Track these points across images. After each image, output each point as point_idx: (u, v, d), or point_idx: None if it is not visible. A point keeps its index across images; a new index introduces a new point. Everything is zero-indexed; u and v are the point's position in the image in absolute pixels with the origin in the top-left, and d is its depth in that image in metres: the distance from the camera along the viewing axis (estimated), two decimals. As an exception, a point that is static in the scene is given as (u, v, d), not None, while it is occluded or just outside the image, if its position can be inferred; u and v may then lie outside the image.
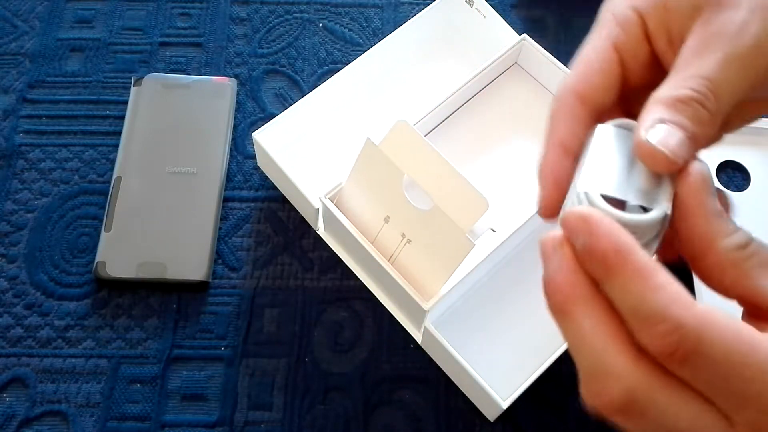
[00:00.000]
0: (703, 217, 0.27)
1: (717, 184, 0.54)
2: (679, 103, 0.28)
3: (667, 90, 0.29)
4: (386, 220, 0.45)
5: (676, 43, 0.31)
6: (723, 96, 0.29)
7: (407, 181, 0.44)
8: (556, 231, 0.28)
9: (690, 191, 0.28)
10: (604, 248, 0.26)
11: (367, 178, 0.46)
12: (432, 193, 0.43)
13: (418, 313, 0.45)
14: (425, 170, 0.44)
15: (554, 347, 0.45)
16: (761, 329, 0.26)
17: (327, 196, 0.47)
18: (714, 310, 0.25)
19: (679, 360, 0.25)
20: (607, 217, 0.26)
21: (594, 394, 0.26)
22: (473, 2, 0.56)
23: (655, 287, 0.25)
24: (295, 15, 0.61)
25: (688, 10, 0.30)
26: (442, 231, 0.43)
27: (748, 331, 0.25)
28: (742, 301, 0.28)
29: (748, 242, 0.27)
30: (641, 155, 0.28)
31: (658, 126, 0.28)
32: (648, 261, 0.26)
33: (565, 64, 0.53)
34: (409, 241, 0.45)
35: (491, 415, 0.46)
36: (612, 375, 0.25)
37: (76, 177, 0.53)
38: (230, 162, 0.54)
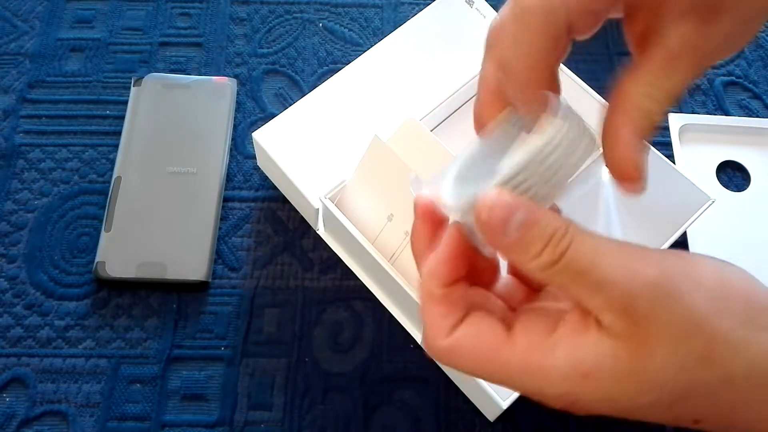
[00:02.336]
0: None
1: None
2: (649, 129, 0.31)
3: (639, 115, 0.31)
4: (389, 218, 0.45)
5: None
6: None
7: (412, 178, 0.44)
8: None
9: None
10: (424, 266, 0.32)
11: (372, 175, 0.46)
12: None
13: (418, 313, 0.45)
14: (432, 167, 0.44)
15: (554, 347, 0.45)
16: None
17: (327, 196, 0.47)
18: (463, 337, 0.30)
19: (445, 364, 0.34)
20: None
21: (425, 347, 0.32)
22: (473, 2, 0.56)
23: (426, 315, 0.31)
24: (295, 15, 0.61)
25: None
26: None
27: (492, 348, 0.30)
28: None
29: (561, 255, 0.29)
30: (618, 177, 0.32)
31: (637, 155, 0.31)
32: (432, 300, 0.31)
33: (565, 64, 0.53)
34: (411, 239, 0.45)
35: (491, 415, 0.46)
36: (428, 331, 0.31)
37: (76, 177, 0.53)
38: (230, 162, 0.54)
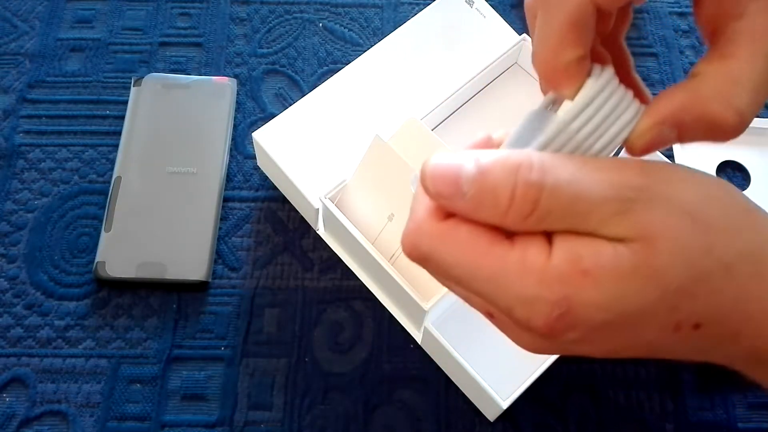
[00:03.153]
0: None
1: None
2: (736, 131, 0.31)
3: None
4: (390, 218, 0.45)
5: None
6: None
7: (414, 177, 0.44)
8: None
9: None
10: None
11: (373, 174, 0.46)
12: None
13: (418, 313, 0.45)
14: None
15: (554, 347, 0.45)
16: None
17: (327, 196, 0.47)
18: (458, 223, 0.28)
19: (420, 259, 0.30)
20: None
21: (404, 234, 0.29)
22: (473, 2, 0.56)
23: (421, 195, 0.29)
24: (295, 15, 0.61)
25: None
26: None
27: (486, 242, 0.27)
28: None
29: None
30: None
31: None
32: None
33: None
34: (412, 239, 0.45)
35: (491, 415, 0.46)
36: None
37: (76, 177, 0.53)
38: (230, 162, 0.54)
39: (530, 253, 0.27)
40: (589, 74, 0.29)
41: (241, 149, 0.55)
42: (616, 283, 0.26)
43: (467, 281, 0.28)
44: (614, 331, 0.27)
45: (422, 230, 0.28)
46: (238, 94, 0.57)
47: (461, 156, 0.27)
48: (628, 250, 0.26)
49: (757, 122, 0.57)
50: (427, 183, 0.28)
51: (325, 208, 0.47)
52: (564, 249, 0.26)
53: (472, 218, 0.27)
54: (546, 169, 0.26)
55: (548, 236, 0.27)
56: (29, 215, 0.52)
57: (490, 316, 0.30)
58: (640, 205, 0.26)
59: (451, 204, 0.27)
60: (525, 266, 0.26)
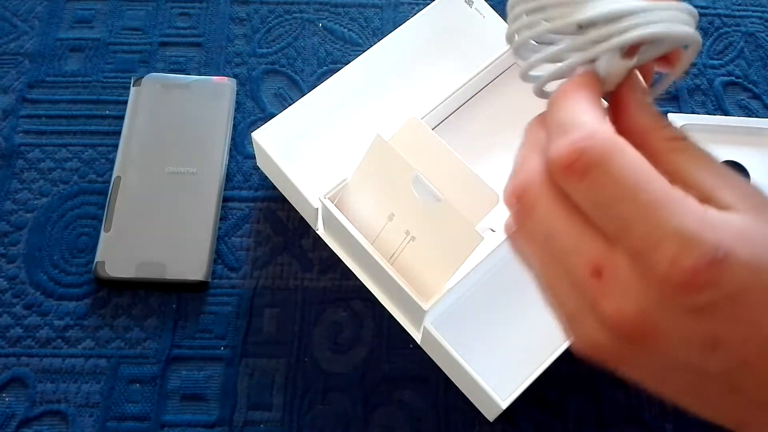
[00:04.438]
0: (638, 108, 0.28)
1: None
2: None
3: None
4: (390, 218, 0.45)
5: None
6: None
7: (414, 177, 0.44)
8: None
9: (626, 86, 0.29)
10: (574, 80, 0.29)
11: (374, 174, 0.46)
12: (441, 189, 0.44)
13: (417, 313, 0.45)
14: (435, 166, 0.45)
15: (554, 347, 0.45)
16: None
17: (326, 196, 0.47)
18: (628, 144, 0.26)
19: (580, 171, 0.26)
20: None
21: (560, 144, 0.27)
22: (473, 2, 0.56)
23: (578, 106, 0.27)
24: (294, 15, 0.61)
25: None
26: (449, 225, 0.43)
27: (653, 171, 0.25)
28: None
29: (683, 137, 0.28)
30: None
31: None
32: (592, 93, 0.28)
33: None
34: (413, 238, 0.45)
35: (490, 415, 0.46)
36: (518, 173, 0.28)
37: (75, 177, 0.53)
38: (230, 162, 0.54)
39: (691, 198, 0.25)
40: None
41: (240, 149, 0.55)
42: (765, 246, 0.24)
43: (625, 202, 0.25)
44: (749, 308, 0.24)
45: (597, 137, 0.26)
46: (237, 94, 0.57)
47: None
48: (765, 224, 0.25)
49: (757, 122, 0.57)
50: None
51: (325, 208, 0.47)
52: (722, 211, 0.25)
53: (634, 113, 0.28)
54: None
55: None
56: (29, 215, 0.52)
57: (597, 274, 0.26)
58: (761, 198, 0.26)
59: (629, 94, 0.29)
60: (688, 203, 0.25)
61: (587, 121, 0.26)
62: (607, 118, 0.28)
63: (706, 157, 0.27)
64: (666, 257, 0.24)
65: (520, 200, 0.28)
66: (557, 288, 0.27)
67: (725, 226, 0.24)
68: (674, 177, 0.26)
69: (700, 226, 0.24)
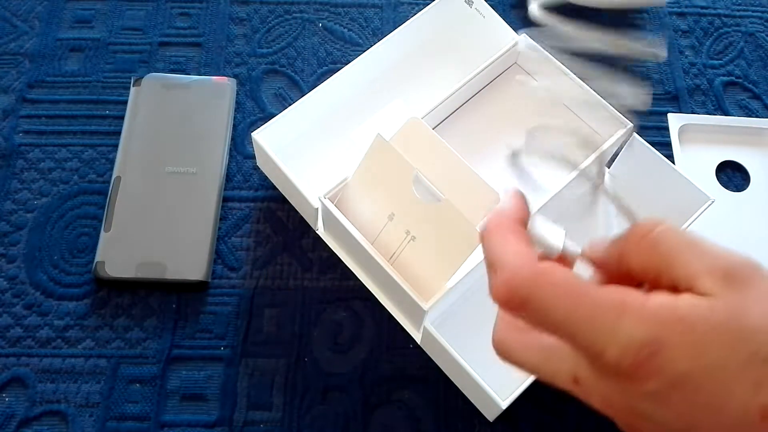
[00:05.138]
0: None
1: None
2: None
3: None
4: (390, 218, 0.45)
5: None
6: None
7: (414, 177, 0.44)
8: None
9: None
10: (500, 213, 0.32)
11: (374, 174, 0.46)
12: (442, 188, 0.44)
13: (417, 313, 0.45)
14: (435, 166, 0.45)
15: (554, 347, 0.45)
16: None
17: (326, 196, 0.47)
18: (553, 267, 0.29)
19: (517, 307, 0.29)
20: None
21: (493, 286, 0.30)
22: (473, 2, 0.56)
23: (502, 243, 0.30)
24: (294, 15, 0.61)
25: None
26: (450, 225, 0.43)
27: (582, 286, 0.28)
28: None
29: (651, 229, 0.29)
30: None
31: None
32: (515, 228, 0.31)
33: (564, 65, 0.53)
34: (413, 238, 0.45)
35: (490, 415, 0.46)
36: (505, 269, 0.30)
37: (75, 177, 0.53)
38: (230, 162, 0.54)
39: (629, 295, 0.28)
40: None
41: (240, 149, 0.55)
42: (709, 331, 0.26)
43: (565, 323, 0.28)
44: (694, 392, 0.27)
45: (520, 275, 0.29)
46: (237, 94, 0.57)
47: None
48: (724, 307, 0.27)
49: (756, 122, 0.57)
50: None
51: (325, 208, 0.47)
52: (662, 296, 0.27)
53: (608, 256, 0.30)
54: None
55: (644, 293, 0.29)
56: (29, 215, 0.52)
57: (575, 383, 0.30)
58: (747, 272, 0.28)
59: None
60: (624, 304, 0.27)
61: (510, 260, 0.30)
62: (527, 247, 0.31)
63: (681, 242, 0.29)
64: (612, 358, 0.27)
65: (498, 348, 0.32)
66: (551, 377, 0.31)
67: (665, 315, 0.27)
68: (659, 273, 0.29)
69: (637, 324, 0.27)
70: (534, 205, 0.47)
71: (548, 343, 0.30)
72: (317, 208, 0.49)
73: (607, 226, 0.52)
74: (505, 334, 0.32)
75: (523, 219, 0.32)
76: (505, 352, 0.32)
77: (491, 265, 0.30)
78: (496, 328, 0.32)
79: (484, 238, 0.31)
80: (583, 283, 0.28)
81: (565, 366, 0.30)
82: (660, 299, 0.27)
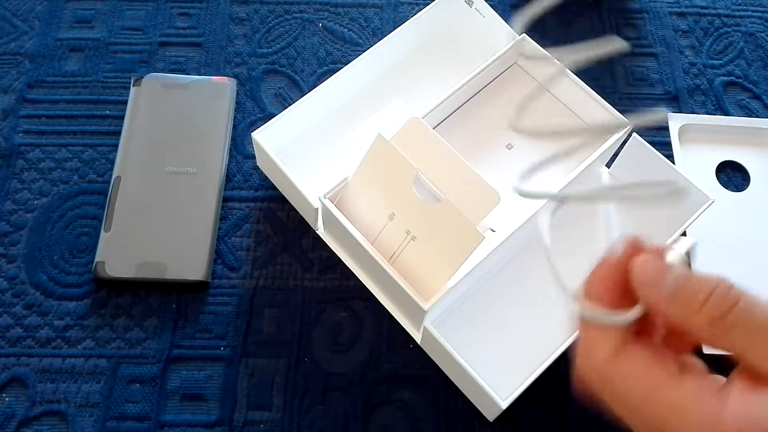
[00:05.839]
0: (668, 304, 0.30)
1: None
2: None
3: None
4: (390, 217, 0.45)
5: None
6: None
7: (414, 177, 0.44)
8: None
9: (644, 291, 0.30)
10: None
11: (374, 174, 0.46)
12: (442, 188, 0.44)
13: (417, 313, 0.45)
14: (436, 165, 0.45)
15: (554, 348, 0.45)
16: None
17: (326, 196, 0.47)
18: (638, 351, 0.29)
19: (597, 385, 0.31)
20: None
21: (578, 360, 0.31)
22: (473, 2, 0.56)
23: (586, 329, 0.31)
24: (294, 15, 0.61)
25: None
26: (450, 225, 0.43)
27: (659, 373, 0.29)
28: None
29: (725, 311, 0.28)
30: None
31: None
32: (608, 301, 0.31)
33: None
34: (413, 238, 0.45)
35: (490, 416, 0.46)
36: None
37: (75, 177, 0.53)
38: (230, 162, 0.54)
39: (704, 398, 0.27)
40: None
41: (240, 149, 0.55)
42: None
43: (641, 412, 0.28)
44: None
45: (598, 362, 0.29)
46: (237, 94, 0.57)
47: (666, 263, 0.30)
48: None
49: (756, 122, 0.57)
50: (635, 270, 0.30)
51: (325, 208, 0.47)
52: (740, 402, 0.27)
53: (664, 310, 0.29)
54: (744, 291, 0.28)
55: (720, 382, 0.28)
56: (29, 215, 0.52)
57: None
58: None
59: (648, 292, 0.29)
60: (699, 410, 0.27)
61: (592, 340, 0.30)
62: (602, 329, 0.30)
63: (762, 326, 0.27)
64: None
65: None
66: None
67: (746, 425, 0.26)
68: (732, 356, 0.28)
69: (714, 429, 0.26)
70: (536, 204, 0.47)
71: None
72: (317, 208, 0.49)
73: (608, 229, 0.52)
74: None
75: (624, 274, 0.31)
76: (598, 385, 0.31)
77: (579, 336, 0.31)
78: (591, 359, 0.31)
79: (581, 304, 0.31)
80: (661, 377, 0.28)
81: None
82: (738, 405, 0.26)
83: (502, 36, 0.55)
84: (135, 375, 0.47)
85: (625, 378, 0.29)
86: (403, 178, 0.44)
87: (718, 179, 0.55)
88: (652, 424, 0.28)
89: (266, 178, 0.54)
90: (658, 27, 0.61)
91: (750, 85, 0.59)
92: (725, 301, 0.27)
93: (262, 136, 0.50)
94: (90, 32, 0.59)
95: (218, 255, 0.51)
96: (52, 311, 0.49)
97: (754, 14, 0.63)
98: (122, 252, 0.50)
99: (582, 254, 0.40)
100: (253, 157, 0.54)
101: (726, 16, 0.63)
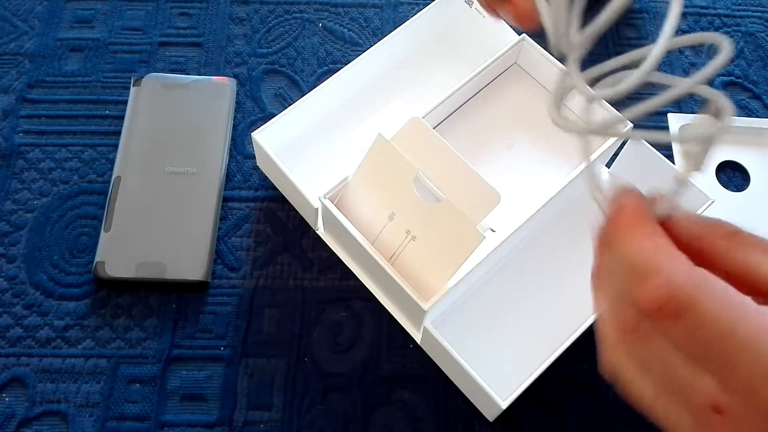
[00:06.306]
0: (687, 218, 0.29)
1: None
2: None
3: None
4: (390, 217, 0.45)
5: None
6: None
7: (414, 177, 0.44)
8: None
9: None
10: (628, 209, 0.29)
11: (375, 174, 0.46)
12: (443, 188, 0.44)
13: (417, 313, 0.45)
14: (436, 165, 0.45)
15: (554, 347, 0.45)
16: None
17: (326, 196, 0.47)
18: (709, 274, 0.26)
19: (672, 314, 0.26)
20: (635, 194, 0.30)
21: (644, 290, 0.27)
22: (473, 2, 0.56)
23: (656, 246, 0.27)
24: (294, 15, 0.61)
25: None
26: (450, 225, 0.43)
27: (742, 299, 0.25)
28: (734, 281, 0.27)
29: (737, 230, 0.28)
30: None
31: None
32: (655, 226, 0.28)
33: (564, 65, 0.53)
34: (413, 238, 0.45)
35: (490, 415, 0.46)
36: (664, 273, 0.27)
37: (75, 177, 0.53)
38: (230, 162, 0.54)
39: None
40: None
41: (240, 149, 0.55)
42: None
43: (723, 342, 0.25)
44: None
45: (681, 278, 0.26)
46: (237, 94, 0.57)
47: None
48: None
49: (757, 122, 0.57)
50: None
51: (325, 208, 0.47)
52: None
53: (685, 225, 0.28)
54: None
55: None
56: (29, 215, 0.52)
57: (716, 411, 0.26)
58: None
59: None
60: None
61: (663, 261, 0.27)
62: (675, 249, 0.28)
63: (765, 244, 0.27)
64: None
65: (631, 332, 0.28)
66: (673, 413, 0.28)
67: None
68: (746, 273, 0.27)
69: None
70: (536, 203, 0.47)
71: (692, 358, 0.27)
72: (317, 208, 0.49)
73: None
74: (624, 357, 0.28)
75: (651, 212, 0.29)
76: (622, 374, 0.29)
77: (636, 268, 0.27)
78: (610, 350, 0.29)
79: (618, 232, 0.28)
80: (745, 298, 0.26)
81: (709, 386, 0.26)
82: None
83: (502, 36, 0.55)
84: (135, 375, 0.47)
85: (715, 294, 0.25)
86: (403, 178, 0.44)
87: (718, 179, 0.55)
88: (731, 359, 0.25)
89: (266, 178, 0.54)
90: (658, 27, 0.61)
91: (750, 85, 0.59)
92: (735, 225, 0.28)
93: (262, 136, 0.50)
94: (90, 32, 0.59)
95: (218, 255, 0.51)
96: (52, 311, 0.49)
97: (754, 14, 0.63)
98: (122, 252, 0.50)
99: (583, 252, 0.40)
100: (253, 157, 0.54)
101: (726, 16, 0.63)
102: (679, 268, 0.26)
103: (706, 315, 0.25)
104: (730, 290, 0.26)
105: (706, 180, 0.55)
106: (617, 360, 0.29)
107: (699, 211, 0.49)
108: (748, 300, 0.26)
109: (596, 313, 0.30)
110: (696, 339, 0.26)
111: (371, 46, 0.55)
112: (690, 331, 0.26)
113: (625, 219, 0.29)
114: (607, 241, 0.29)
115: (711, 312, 0.25)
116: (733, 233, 0.28)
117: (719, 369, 0.26)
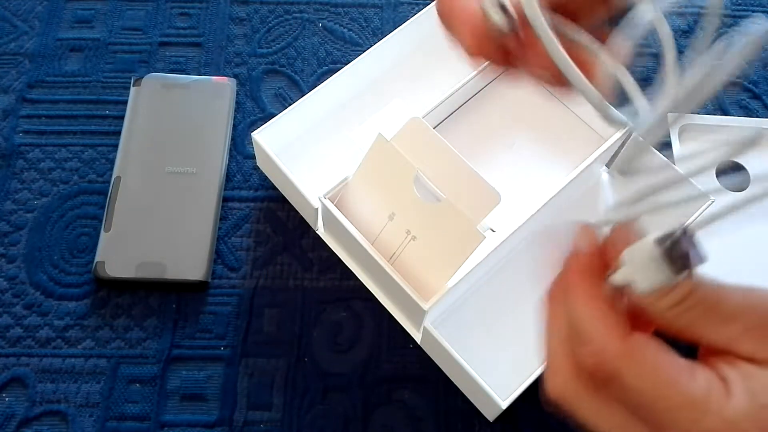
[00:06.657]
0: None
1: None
2: None
3: None
4: (390, 217, 0.45)
5: None
6: None
7: (414, 177, 0.44)
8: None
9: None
10: (578, 263, 0.30)
11: (375, 174, 0.46)
12: (443, 188, 0.44)
13: (417, 313, 0.45)
14: (436, 165, 0.45)
15: (554, 347, 0.45)
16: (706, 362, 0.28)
17: (326, 196, 0.47)
18: (646, 342, 0.28)
19: (602, 381, 0.28)
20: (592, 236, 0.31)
21: (581, 352, 0.29)
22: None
23: (593, 313, 0.29)
24: (294, 15, 0.61)
25: None
26: (451, 225, 0.43)
27: (672, 369, 0.27)
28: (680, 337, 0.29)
29: (684, 295, 0.28)
30: None
31: None
32: (599, 286, 0.29)
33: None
34: (413, 238, 0.45)
35: (490, 416, 0.46)
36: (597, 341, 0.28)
37: (75, 177, 0.53)
38: (230, 162, 0.54)
39: (714, 389, 0.27)
40: None
41: (240, 149, 0.55)
42: None
43: (648, 409, 0.27)
44: None
45: (610, 350, 0.28)
46: (237, 94, 0.57)
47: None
48: None
49: (757, 122, 0.57)
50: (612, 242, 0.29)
51: (325, 208, 0.47)
52: (738, 381, 0.27)
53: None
54: (697, 278, 0.28)
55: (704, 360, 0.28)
56: (29, 215, 0.52)
57: None
58: None
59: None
60: (707, 402, 0.26)
61: (598, 329, 0.28)
62: (614, 312, 0.29)
63: (716, 306, 0.28)
64: None
65: (563, 399, 0.30)
66: None
67: (755, 412, 0.26)
68: (691, 339, 0.28)
69: (718, 424, 0.26)
70: (536, 203, 0.47)
71: (622, 417, 0.29)
72: (317, 208, 0.49)
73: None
74: (575, 392, 0.30)
75: (603, 265, 0.30)
76: (569, 406, 0.30)
77: (578, 332, 0.29)
78: (559, 378, 0.30)
79: (565, 291, 0.30)
80: (675, 366, 0.27)
81: None
82: (739, 386, 0.27)
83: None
84: (135, 375, 0.47)
85: (642, 365, 0.27)
86: (404, 178, 0.44)
87: (717, 179, 0.55)
88: (659, 422, 0.27)
89: (266, 178, 0.54)
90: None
91: (750, 85, 0.59)
92: (684, 287, 0.28)
93: (262, 136, 0.50)
94: (90, 32, 0.59)
95: (218, 255, 0.51)
96: (52, 311, 0.49)
97: (754, 14, 0.63)
98: (122, 252, 0.50)
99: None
100: (253, 157, 0.54)
101: (726, 16, 0.63)
102: (609, 339, 0.28)
103: (631, 386, 0.27)
104: (660, 360, 0.27)
105: (706, 180, 0.55)
106: (572, 391, 0.30)
107: (699, 211, 0.49)
108: (678, 367, 0.27)
109: (545, 328, 0.32)
110: (625, 402, 0.28)
111: (371, 46, 0.55)
112: (620, 395, 0.28)
113: (573, 275, 0.30)
114: (559, 292, 0.31)
115: (635, 384, 0.27)
116: (679, 302, 0.28)
117: (651, 426, 0.28)
